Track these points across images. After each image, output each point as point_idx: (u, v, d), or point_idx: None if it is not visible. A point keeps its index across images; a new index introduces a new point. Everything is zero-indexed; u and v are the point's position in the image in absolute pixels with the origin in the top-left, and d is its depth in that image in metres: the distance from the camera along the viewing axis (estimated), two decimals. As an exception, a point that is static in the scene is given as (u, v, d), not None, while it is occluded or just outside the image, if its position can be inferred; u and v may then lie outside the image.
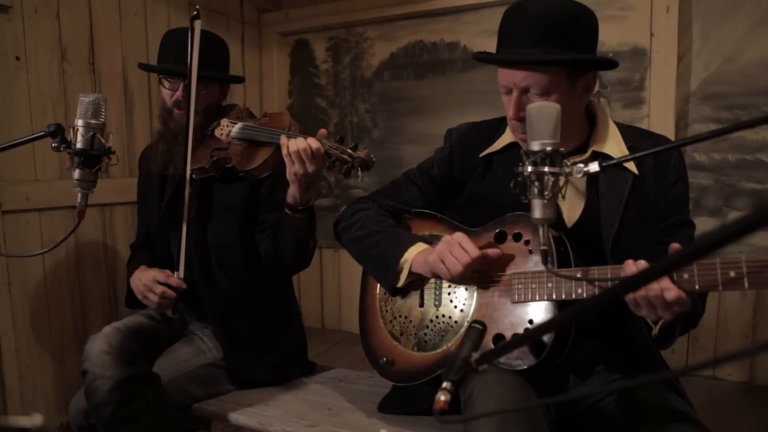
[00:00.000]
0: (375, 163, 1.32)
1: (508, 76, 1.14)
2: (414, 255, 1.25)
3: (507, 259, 1.19)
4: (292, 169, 1.34)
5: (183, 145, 1.50)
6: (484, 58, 1.19)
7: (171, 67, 1.56)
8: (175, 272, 1.52)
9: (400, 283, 1.28)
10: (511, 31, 1.15)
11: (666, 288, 0.92)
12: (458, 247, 1.15)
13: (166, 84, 1.58)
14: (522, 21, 1.13)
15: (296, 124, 1.49)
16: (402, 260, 1.26)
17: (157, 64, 1.60)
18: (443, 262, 1.16)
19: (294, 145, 1.31)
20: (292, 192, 1.41)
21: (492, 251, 1.18)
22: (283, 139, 1.34)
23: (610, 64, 1.16)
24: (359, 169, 1.30)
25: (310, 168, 1.33)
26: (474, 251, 1.14)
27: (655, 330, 1.06)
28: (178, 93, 1.55)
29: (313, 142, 1.31)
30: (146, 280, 1.51)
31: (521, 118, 1.13)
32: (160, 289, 1.49)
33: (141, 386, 1.33)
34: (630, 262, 0.99)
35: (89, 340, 1.37)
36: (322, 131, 1.36)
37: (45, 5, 2.07)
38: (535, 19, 1.11)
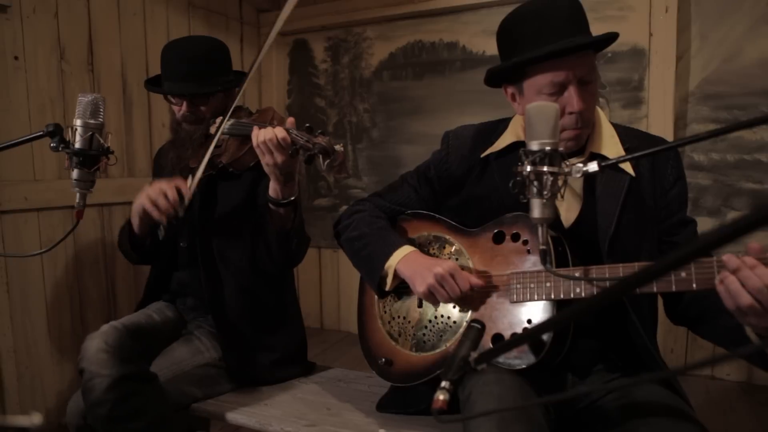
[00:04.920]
0: (337, 151, 1.28)
1: (564, 69, 1.11)
2: (396, 262, 1.25)
3: (505, 260, 1.19)
4: (263, 160, 1.33)
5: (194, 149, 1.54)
6: (549, 52, 1.10)
7: (172, 87, 1.57)
8: (189, 178, 1.46)
9: (388, 287, 1.29)
10: (548, 25, 1.13)
11: None
12: (450, 281, 1.16)
13: (172, 100, 1.61)
14: (559, 13, 1.14)
15: (280, 118, 1.48)
16: (387, 265, 1.26)
17: (161, 76, 1.62)
18: (434, 295, 1.18)
19: (261, 135, 1.30)
20: (273, 185, 1.40)
21: (481, 281, 1.19)
22: (254, 131, 1.33)
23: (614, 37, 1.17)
24: (320, 156, 1.27)
25: (279, 158, 1.31)
26: (464, 284, 1.16)
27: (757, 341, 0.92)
28: (184, 109, 1.58)
29: (279, 132, 1.30)
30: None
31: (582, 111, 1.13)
32: (162, 186, 1.41)
33: (138, 384, 1.33)
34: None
35: (86, 338, 1.36)
36: (290, 119, 1.34)
37: (43, 5, 2.06)
38: (570, 9, 1.15)
